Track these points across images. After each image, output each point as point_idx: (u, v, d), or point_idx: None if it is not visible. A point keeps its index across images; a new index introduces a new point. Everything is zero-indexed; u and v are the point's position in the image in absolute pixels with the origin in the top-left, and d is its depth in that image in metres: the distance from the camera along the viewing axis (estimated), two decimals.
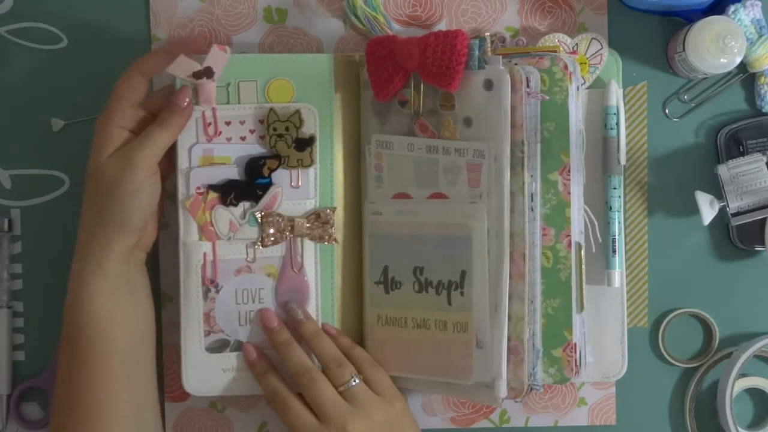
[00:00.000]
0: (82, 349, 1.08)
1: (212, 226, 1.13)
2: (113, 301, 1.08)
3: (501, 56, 1.10)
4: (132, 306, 1.10)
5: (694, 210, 1.16)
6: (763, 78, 1.18)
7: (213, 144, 1.13)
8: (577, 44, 1.17)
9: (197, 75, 1.10)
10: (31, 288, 1.21)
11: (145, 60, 1.11)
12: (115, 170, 1.07)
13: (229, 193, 1.13)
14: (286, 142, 1.12)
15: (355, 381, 1.11)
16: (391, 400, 1.12)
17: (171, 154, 1.12)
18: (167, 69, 1.09)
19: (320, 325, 1.15)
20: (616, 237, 1.16)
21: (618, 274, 1.17)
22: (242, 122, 1.13)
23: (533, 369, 1.10)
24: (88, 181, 1.09)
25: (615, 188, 1.16)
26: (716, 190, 1.17)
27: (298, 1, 1.20)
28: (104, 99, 1.17)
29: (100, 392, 1.07)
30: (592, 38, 1.17)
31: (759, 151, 1.17)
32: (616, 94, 1.16)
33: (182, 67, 1.10)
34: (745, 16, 1.16)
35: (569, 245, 1.11)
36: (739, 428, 1.19)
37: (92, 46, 1.20)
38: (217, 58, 1.11)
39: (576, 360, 1.12)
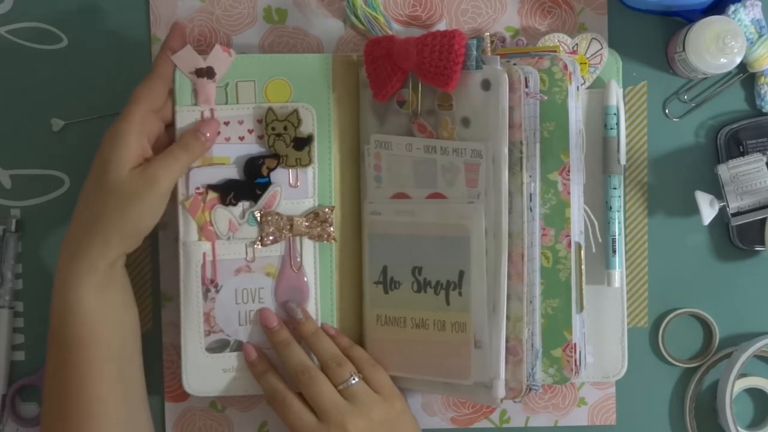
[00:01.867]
0: (73, 352, 1.07)
1: (212, 226, 1.13)
2: (104, 303, 1.08)
3: (499, 56, 1.10)
4: (121, 307, 1.10)
5: (694, 210, 1.16)
6: (763, 78, 1.18)
7: None
8: (577, 44, 1.17)
9: (199, 73, 1.11)
10: (31, 288, 1.21)
11: (161, 62, 1.11)
12: (137, 187, 1.06)
13: (229, 192, 1.13)
14: (284, 142, 1.13)
15: (354, 380, 1.11)
16: (391, 399, 1.12)
17: None
18: (171, 57, 1.10)
19: (319, 325, 1.15)
20: (616, 237, 1.16)
21: (618, 274, 1.16)
22: (241, 122, 1.13)
23: (532, 369, 1.10)
24: (95, 185, 1.08)
25: (615, 188, 1.16)
26: (716, 190, 1.17)
27: (298, 1, 1.20)
28: (104, 99, 1.19)
29: (91, 395, 1.07)
30: (592, 38, 1.17)
31: (759, 151, 1.17)
32: (616, 94, 1.16)
33: (186, 60, 1.10)
34: (745, 16, 1.16)
35: (569, 245, 1.11)
36: (739, 428, 1.19)
37: (92, 46, 1.20)
38: (220, 58, 1.11)
39: (576, 360, 1.12)
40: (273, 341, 1.14)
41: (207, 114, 1.12)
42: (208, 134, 1.11)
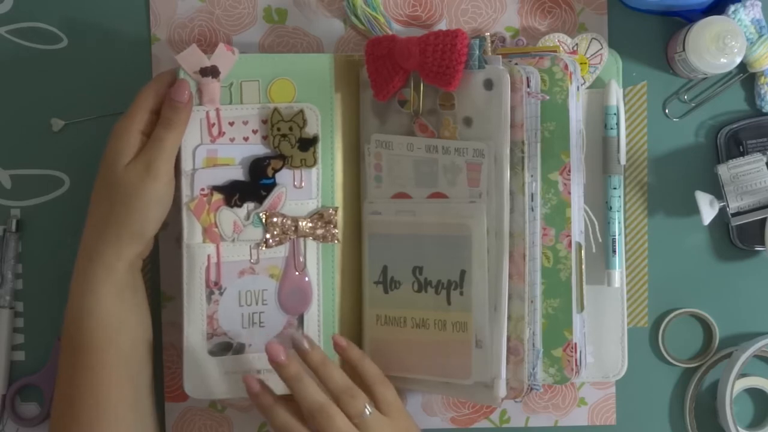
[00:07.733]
0: (87, 355, 1.08)
1: (216, 227, 1.12)
2: (120, 307, 1.08)
3: (501, 56, 1.10)
4: (135, 311, 1.10)
5: (694, 210, 1.16)
6: (763, 78, 1.18)
7: (217, 145, 1.12)
8: (577, 44, 1.17)
9: (203, 72, 1.10)
10: (31, 288, 1.21)
11: (164, 71, 1.12)
12: (135, 179, 1.07)
13: (234, 194, 1.12)
14: (289, 142, 1.12)
15: (368, 411, 1.07)
16: (398, 419, 1.10)
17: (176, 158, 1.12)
18: (175, 56, 1.10)
19: (330, 337, 1.13)
20: (616, 237, 1.16)
21: (618, 274, 1.17)
22: (245, 122, 1.12)
23: (533, 369, 1.10)
24: (101, 185, 1.09)
25: (615, 188, 1.16)
26: (716, 190, 1.17)
27: (298, 1, 1.20)
28: (104, 99, 1.19)
29: (103, 398, 1.08)
30: (592, 38, 1.17)
31: (759, 151, 1.18)
32: (616, 94, 1.16)
33: (191, 59, 1.10)
34: (745, 16, 1.16)
35: (569, 245, 1.11)
36: (739, 428, 1.19)
37: (92, 46, 1.20)
38: (223, 57, 1.11)
39: (576, 360, 1.12)
40: (283, 376, 1.09)
41: (212, 114, 1.12)
42: (183, 99, 1.09)
